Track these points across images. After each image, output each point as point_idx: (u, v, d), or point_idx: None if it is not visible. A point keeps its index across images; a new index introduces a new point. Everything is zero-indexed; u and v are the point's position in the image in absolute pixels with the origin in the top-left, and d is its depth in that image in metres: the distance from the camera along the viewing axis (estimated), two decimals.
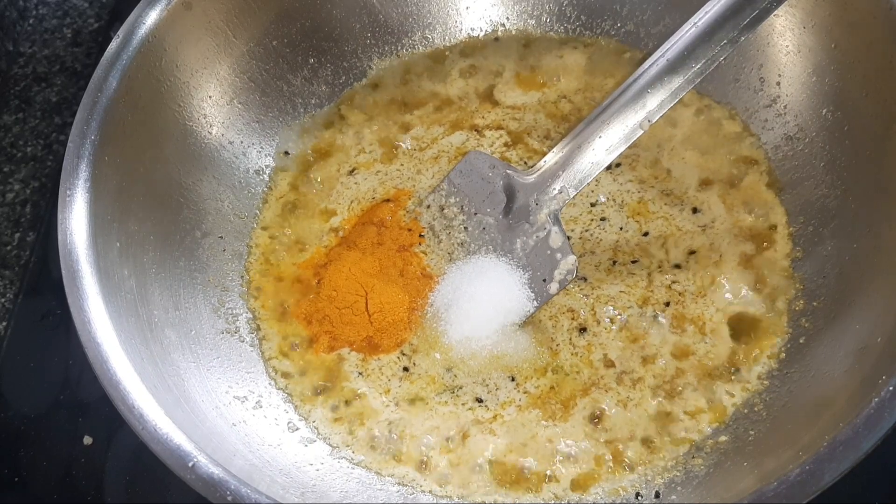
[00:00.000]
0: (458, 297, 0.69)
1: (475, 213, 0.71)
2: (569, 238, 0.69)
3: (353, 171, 0.79)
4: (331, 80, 0.82)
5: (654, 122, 0.66)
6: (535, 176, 0.70)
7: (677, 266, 0.71)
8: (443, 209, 0.72)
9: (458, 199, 0.72)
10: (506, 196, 0.70)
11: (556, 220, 0.69)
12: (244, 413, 0.65)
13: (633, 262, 0.71)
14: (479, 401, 0.67)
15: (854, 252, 0.66)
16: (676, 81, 0.64)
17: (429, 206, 0.73)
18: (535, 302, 0.69)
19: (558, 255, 0.68)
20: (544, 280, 0.68)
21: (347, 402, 0.68)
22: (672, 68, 0.64)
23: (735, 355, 0.67)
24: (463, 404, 0.67)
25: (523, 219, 0.70)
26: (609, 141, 0.67)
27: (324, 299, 0.72)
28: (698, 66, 0.63)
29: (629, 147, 0.67)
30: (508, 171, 0.70)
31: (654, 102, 0.65)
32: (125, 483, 0.72)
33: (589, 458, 0.64)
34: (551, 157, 0.69)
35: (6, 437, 0.75)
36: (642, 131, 0.66)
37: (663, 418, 0.65)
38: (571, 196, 0.68)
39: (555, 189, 0.69)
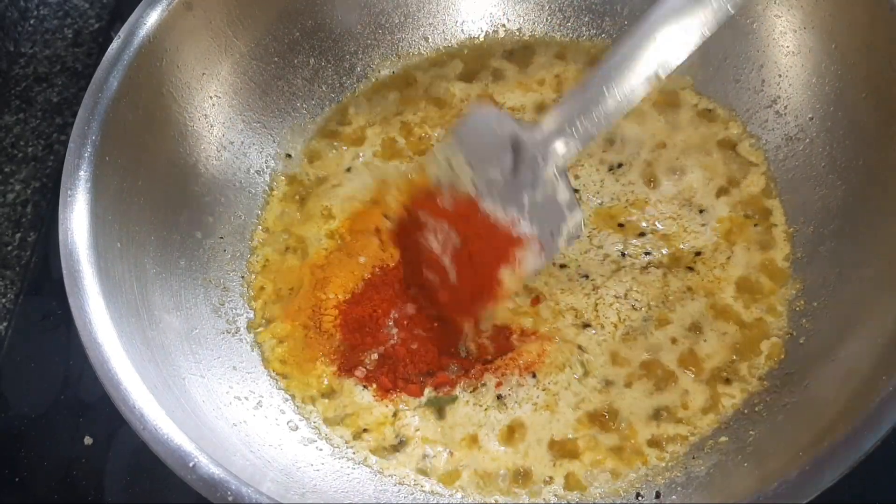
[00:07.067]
0: None
1: (482, 168, 0.68)
2: (576, 191, 0.64)
3: (353, 170, 0.79)
4: (331, 81, 0.82)
5: (666, 74, 0.60)
6: (541, 130, 0.65)
7: (680, 267, 0.71)
8: (450, 164, 0.70)
9: (465, 155, 0.68)
10: (513, 151, 0.66)
11: (564, 175, 0.65)
12: (245, 413, 0.65)
13: (638, 260, 0.71)
14: (499, 398, 0.67)
15: (854, 252, 0.66)
16: (695, 19, 0.58)
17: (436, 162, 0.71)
18: (543, 257, 0.67)
19: (566, 210, 0.66)
20: (552, 234, 0.67)
21: (348, 403, 0.68)
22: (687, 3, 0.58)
23: (735, 355, 0.67)
24: (465, 403, 0.67)
25: (530, 173, 0.66)
26: (617, 95, 0.62)
27: (324, 300, 0.72)
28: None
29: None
30: (515, 126, 0.66)
31: (666, 50, 0.59)
32: (125, 483, 0.71)
33: (590, 458, 0.64)
34: (558, 112, 0.65)
35: (6, 437, 0.75)
36: (650, 85, 0.61)
37: (664, 418, 0.65)
38: (578, 150, 0.65)
39: (561, 143, 0.65)
